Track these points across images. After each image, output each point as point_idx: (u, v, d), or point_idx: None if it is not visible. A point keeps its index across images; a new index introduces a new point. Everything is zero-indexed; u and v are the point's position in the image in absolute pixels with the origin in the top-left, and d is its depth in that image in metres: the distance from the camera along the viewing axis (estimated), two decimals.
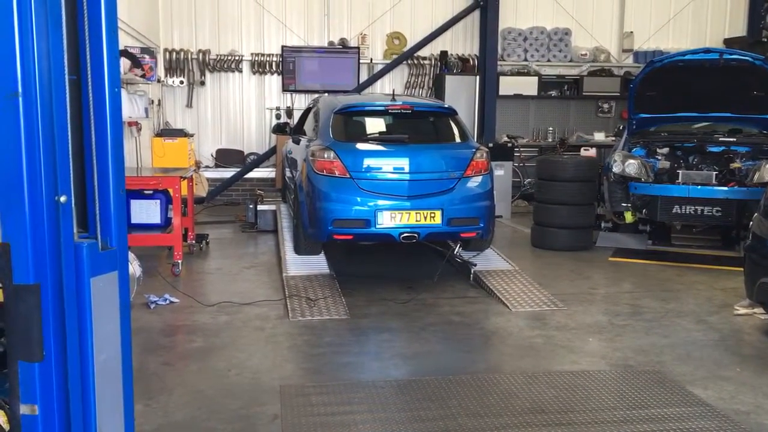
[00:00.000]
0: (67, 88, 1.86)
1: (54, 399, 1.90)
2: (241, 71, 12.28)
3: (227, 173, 12.19)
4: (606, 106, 13.18)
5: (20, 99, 1.74)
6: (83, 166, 2.00)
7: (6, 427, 2.45)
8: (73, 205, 1.88)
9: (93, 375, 1.95)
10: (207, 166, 12.18)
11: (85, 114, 1.98)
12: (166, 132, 10.81)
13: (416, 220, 6.36)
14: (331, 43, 12.35)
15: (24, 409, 1.90)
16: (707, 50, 8.60)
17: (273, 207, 9.46)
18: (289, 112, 12.25)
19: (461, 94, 12.10)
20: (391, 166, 6.44)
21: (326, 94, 9.10)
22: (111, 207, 2.01)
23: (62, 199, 1.84)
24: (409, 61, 12.56)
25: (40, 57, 1.77)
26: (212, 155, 12.33)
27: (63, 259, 1.86)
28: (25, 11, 1.73)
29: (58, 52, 1.82)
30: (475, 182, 6.63)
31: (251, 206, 9.55)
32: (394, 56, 12.47)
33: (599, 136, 12.61)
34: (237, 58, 12.15)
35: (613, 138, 11.79)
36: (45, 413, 1.89)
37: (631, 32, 13.15)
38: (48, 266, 1.84)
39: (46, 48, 1.79)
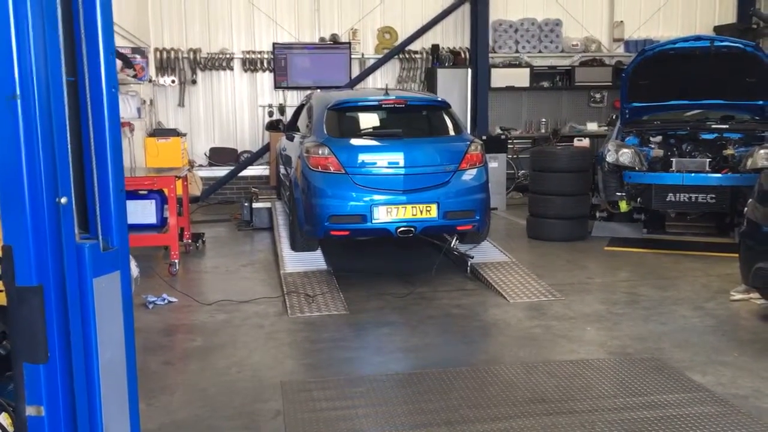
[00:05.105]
0: (65, 89, 1.86)
1: (60, 400, 1.90)
2: (232, 69, 12.24)
3: (221, 172, 12.16)
4: (598, 95, 13.20)
5: (18, 101, 1.75)
6: (82, 167, 2.01)
7: (10, 429, 2.46)
8: (73, 206, 1.89)
9: (98, 375, 1.96)
10: (200, 165, 12.15)
11: (83, 115, 1.98)
12: (159, 132, 10.78)
13: (412, 214, 6.37)
14: (322, 39, 12.33)
15: (30, 411, 1.90)
16: (698, 38, 8.63)
17: (268, 204, 9.45)
18: (282, 109, 12.23)
19: (453, 88, 12.09)
20: (386, 161, 6.45)
21: (319, 90, 9.09)
22: (111, 207, 2.02)
23: (63, 200, 1.85)
24: (401, 56, 12.55)
25: (37, 59, 1.77)
26: (205, 154, 12.30)
27: (65, 260, 1.86)
28: (22, 14, 1.74)
29: (54, 54, 1.83)
30: (470, 175, 6.64)
31: (246, 204, 9.54)
32: (386, 51, 12.46)
33: (592, 126, 12.63)
34: (228, 56, 12.11)
35: (606, 128, 11.82)
36: (51, 414, 1.90)
37: (622, 21, 13.16)
38: (50, 268, 1.84)
39: (43, 50, 1.79)
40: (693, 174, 7.67)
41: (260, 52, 12.20)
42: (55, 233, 1.84)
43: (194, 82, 12.09)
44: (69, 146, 1.88)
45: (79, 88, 1.97)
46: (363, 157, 6.47)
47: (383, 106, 7.07)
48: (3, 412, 2.41)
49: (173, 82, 11.87)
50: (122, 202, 2.05)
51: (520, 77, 12.63)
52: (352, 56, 12.25)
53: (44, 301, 1.84)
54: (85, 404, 1.95)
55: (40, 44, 1.78)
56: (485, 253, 7.13)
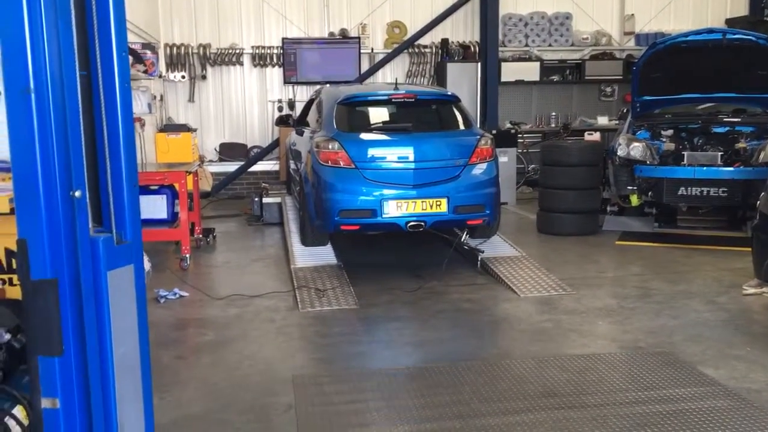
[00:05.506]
0: (78, 83, 1.87)
1: (75, 392, 1.92)
2: (242, 64, 12.26)
3: (231, 167, 12.19)
4: (609, 89, 13.14)
5: (32, 95, 1.76)
6: (96, 161, 2.02)
7: (25, 422, 2.47)
8: (87, 200, 1.90)
9: (112, 368, 1.97)
10: (211, 161, 12.19)
11: (97, 109, 1.99)
12: (170, 127, 10.80)
13: (422, 209, 6.37)
14: (331, 34, 12.32)
15: (45, 403, 1.92)
16: (710, 30, 8.56)
17: (278, 199, 9.47)
18: (291, 105, 12.24)
19: (463, 82, 12.07)
20: (396, 155, 6.44)
21: (328, 85, 9.08)
22: (125, 201, 2.03)
23: (77, 194, 1.86)
24: (410, 50, 12.52)
25: (51, 54, 1.78)
26: (216, 149, 12.34)
27: (80, 253, 1.88)
28: (35, 9, 1.74)
29: (68, 49, 1.84)
30: (480, 169, 6.63)
31: (256, 199, 9.56)
32: (395, 45, 12.44)
33: (603, 120, 12.57)
34: (237, 51, 12.13)
35: (617, 121, 11.75)
36: (66, 407, 1.91)
37: (632, 15, 13.08)
38: (65, 261, 1.85)
39: (57, 45, 1.80)
40: (705, 168, 7.61)
41: (270, 47, 12.20)
42: (69, 227, 1.85)
43: (204, 77, 12.12)
44: (82, 140, 1.89)
45: (93, 82, 1.98)
46: (373, 152, 6.46)
47: (393, 100, 7.07)
48: (18, 405, 2.43)
49: (183, 77, 11.90)
50: (135, 195, 2.07)
51: (530, 71, 12.58)
52: (362, 51, 12.24)
53: (59, 294, 1.85)
54: (100, 397, 1.96)
55: (53, 39, 1.79)
56: (495, 248, 7.12)
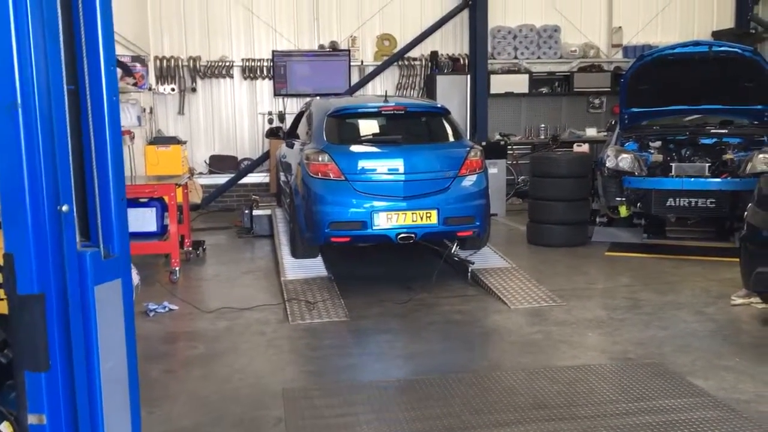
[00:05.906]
0: (66, 97, 1.87)
1: (61, 408, 1.90)
2: (232, 77, 12.27)
3: (221, 179, 12.17)
4: (597, 101, 13.23)
5: (20, 110, 1.75)
6: (83, 175, 2.01)
7: None
8: (75, 214, 1.89)
9: (100, 383, 1.95)
10: (201, 173, 12.16)
11: (84, 123, 1.98)
12: (159, 140, 10.79)
13: (412, 221, 6.38)
14: (321, 47, 12.36)
15: (32, 419, 1.90)
16: (696, 43, 8.65)
17: (268, 212, 9.46)
18: (282, 117, 12.24)
19: (453, 94, 12.11)
20: (386, 167, 6.46)
21: (318, 98, 9.10)
22: (112, 215, 2.02)
23: (64, 208, 1.85)
24: (400, 62, 12.58)
25: (38, 67, 1.77)
26: (206, 162, 12.32)
27: (67, 268, 1.86)
28: (22, 22, 1.74)
29: (55, 63, 1.83)
30: (469, 181, 6.65)
31: (247, 211, 9.54)
32: (385, 58, 12.48)
33: (591, 132, 12.64)
34: (227, 63, 12.14)
35: (605, 133, 11.83)
36: (53, 423, 1.89)
37: (620, 27, 13.20)
38: (52, 275, 1.84)
39: (44, 59, 1.79)
40: (692, 179, 7.66)
41: (260, 60, 12.22)
42: (56, 241, 1.84)
43: (194, 89, 12.12)
44: (70, 154, 1.88)
45: (80, 96, 1.98)
46: (363, 164, 6.48)
47: (383, 112, 7.08)
48: (4, 421, 2.41)
49: (173, 90, 11.89)
50: (123, 209, 2.06)
51: (519, 83, 12.66)
52: (352, 63, 12.27)
53: (45, 309, 1.83)
54: (87, 412, 1.94)
55: (40, 53, 1.78)
56: (486, 259, 7.13)
